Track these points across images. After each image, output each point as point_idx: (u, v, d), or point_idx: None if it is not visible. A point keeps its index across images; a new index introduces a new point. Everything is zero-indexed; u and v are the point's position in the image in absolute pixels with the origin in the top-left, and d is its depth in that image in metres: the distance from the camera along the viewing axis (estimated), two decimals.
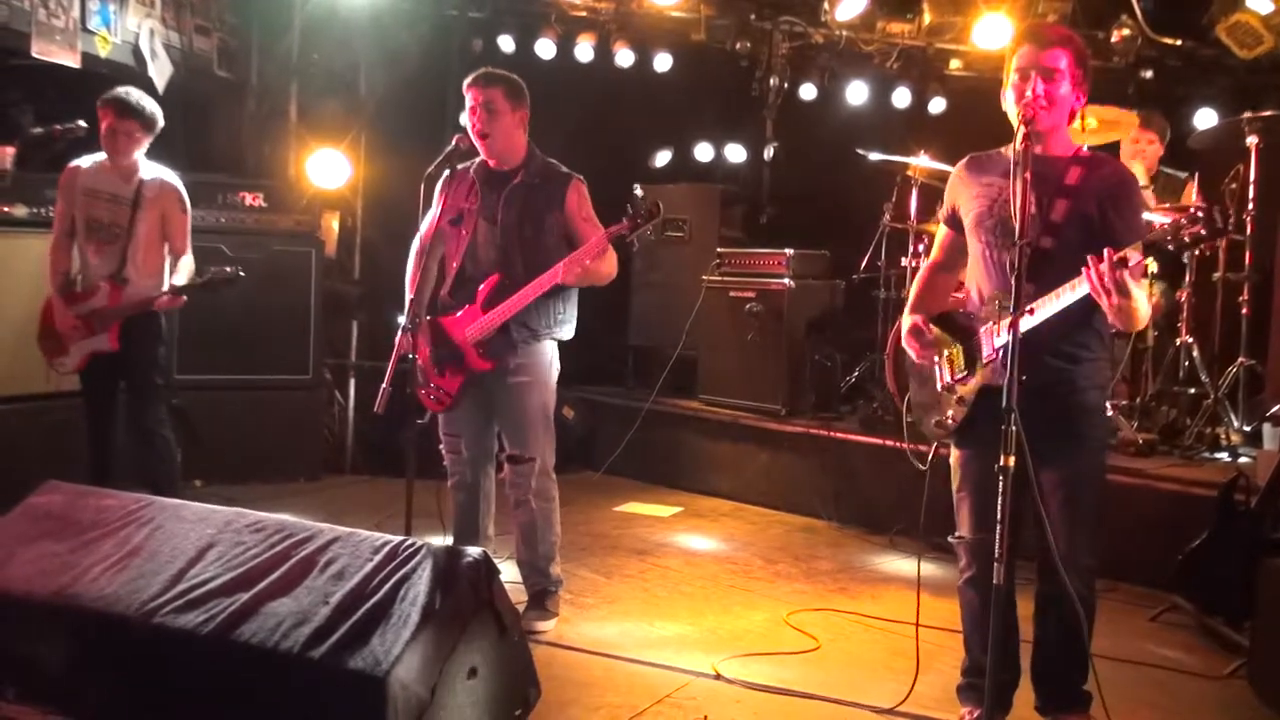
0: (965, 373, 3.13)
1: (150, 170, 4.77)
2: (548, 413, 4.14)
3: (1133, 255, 2.69)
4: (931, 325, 3.19)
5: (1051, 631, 3.12)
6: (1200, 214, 2.62)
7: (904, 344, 3.24)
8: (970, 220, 3.14)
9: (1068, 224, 2.97)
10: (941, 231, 3.36)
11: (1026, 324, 2.79)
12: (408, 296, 4.14)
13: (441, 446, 4.25)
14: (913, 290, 3.39)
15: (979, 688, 3.12)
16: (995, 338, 3.01)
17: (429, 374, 4.05)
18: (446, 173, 3.92)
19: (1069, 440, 3.00)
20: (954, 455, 3.24)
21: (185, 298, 4.67)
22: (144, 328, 4.70)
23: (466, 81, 4.03)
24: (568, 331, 4.14)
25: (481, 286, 3.99)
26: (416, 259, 4.20)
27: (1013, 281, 2.73)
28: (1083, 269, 2.75)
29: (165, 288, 4.72)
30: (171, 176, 4.80)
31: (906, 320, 3.24)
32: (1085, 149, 3.13)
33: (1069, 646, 3.08)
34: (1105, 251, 2.70)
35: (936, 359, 3.19)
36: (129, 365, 4.72)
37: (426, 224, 4.20)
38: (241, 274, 4.70)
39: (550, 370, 4.13)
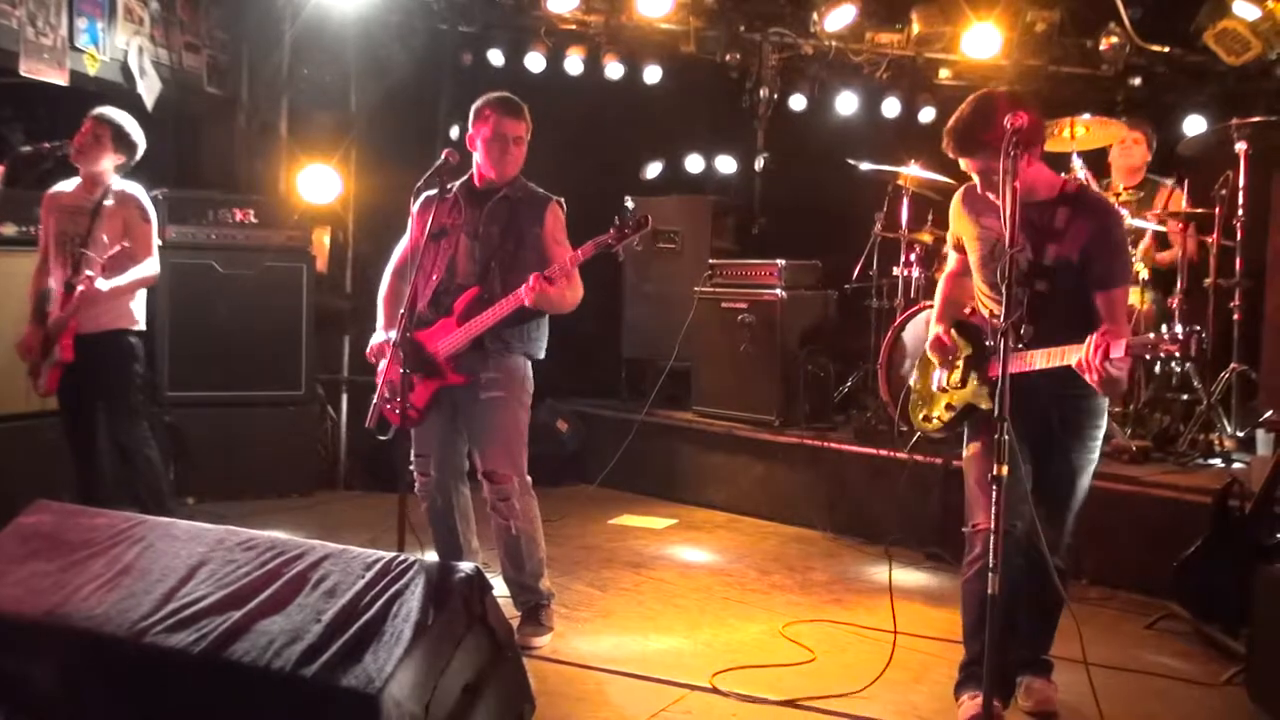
0: (960, 385, 3.38)
1: (117, 184, 4.72)
2: (522, 429, 4.05)
3: (1116, 350, 2.88)
4: (954, 332, 3.44)
5: (1031, 601, 3.33)
6: (1180, 338, 2.83)
7: (927, 351, 3.51)
8: (974, 260, 3.42)
9: (1058, 269, 3.19)
10: (953, 256, 3.65)
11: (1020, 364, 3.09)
12: (380, 314, 4.11)
13: (412, 468, 4.13)
14: (937, 298, 3.66)
15: (978, 675, 3.14)
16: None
17: (398, 389, 3.98)
18: (432, 192, 3.88)
19: (1072, 438, 3.30)
20: (970, 448, 3.39)
21: (97, 276, 4.43)
22: (108, 347, 4.63)
23: (498, 109, 3.95)
24: (540, 349, 4.10)
25: (459, 299, 3.95)
26: (391, 278, 4.18)
27: (1010, 300, 2.97)
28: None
29: (136, 315, 4.68)
30: (134, 188, 4.74)
31: (934, 328, 3.50)
32: (1071, 183, 3.31)
33: (1047, 616, 3.40)
34: (1093, 340, 2.90)
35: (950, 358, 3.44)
36: (98, 386, 4.65)
37: (403, 244, 4.18)
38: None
39: (524, 386, 4.05)
